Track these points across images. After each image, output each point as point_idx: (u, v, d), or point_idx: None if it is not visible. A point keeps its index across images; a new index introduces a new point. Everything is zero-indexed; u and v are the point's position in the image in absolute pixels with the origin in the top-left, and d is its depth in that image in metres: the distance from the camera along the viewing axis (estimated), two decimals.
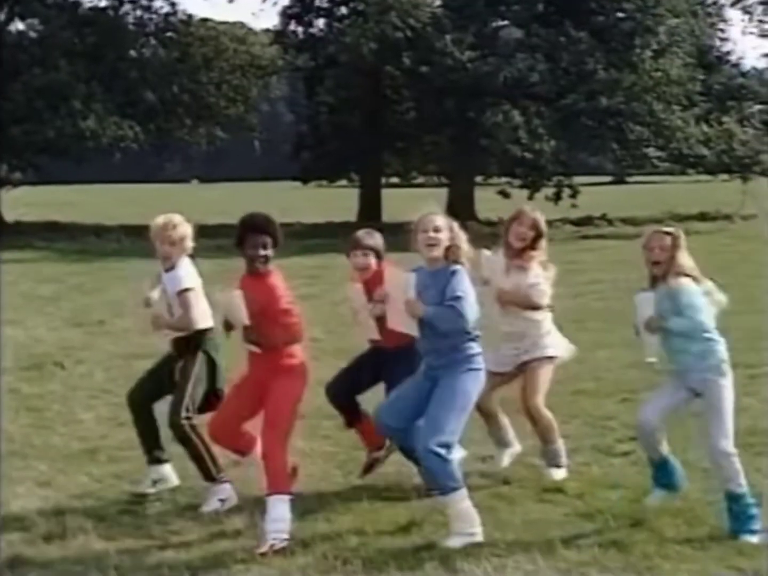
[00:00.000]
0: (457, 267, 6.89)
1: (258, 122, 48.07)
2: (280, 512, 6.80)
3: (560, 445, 8.17)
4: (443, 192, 38.08)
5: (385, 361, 7.74)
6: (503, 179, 41.32)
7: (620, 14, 36.63)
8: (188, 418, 7.42)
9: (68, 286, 21.47)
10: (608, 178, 77.78)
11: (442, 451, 6.70)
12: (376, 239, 7.90)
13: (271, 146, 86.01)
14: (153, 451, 7.83)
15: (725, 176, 41.27)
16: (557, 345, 8.30)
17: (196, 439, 7.46)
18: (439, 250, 6.90)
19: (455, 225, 7.03)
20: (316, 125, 42.96)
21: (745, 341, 13.24)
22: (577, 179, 40.27)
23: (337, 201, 48.21)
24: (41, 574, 6.35)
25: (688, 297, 7.19)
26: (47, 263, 26.36)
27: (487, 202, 38.94)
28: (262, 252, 7.11)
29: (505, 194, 39.54)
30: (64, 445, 9.16)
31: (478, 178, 42.13)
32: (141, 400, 7.82)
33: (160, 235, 7.60)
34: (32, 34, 39.93)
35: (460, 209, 36.73)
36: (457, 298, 6.74)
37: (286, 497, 6.87)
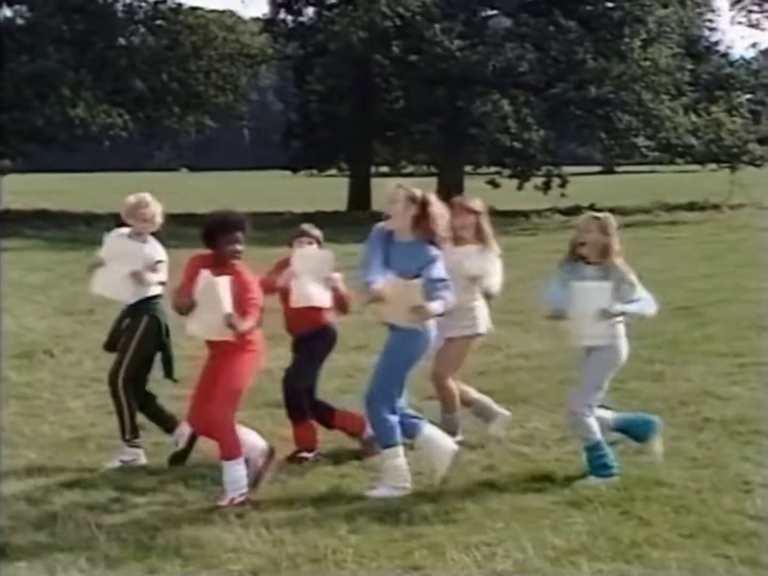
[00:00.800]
0: (437, 253, 7.41)
1: (247, 111, 48.01)
2: (236, 474, 7.34)
3: (457, 416, 8.63)
4: (433, 181, 38.03)
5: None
6: (492, 169, 41.34)
7: (609, 4, 36.67)
8: (125, 378, 8.29)
9: (58, 274, 21.42)
10: (597, 168, 77.77)
11: (383, 408, 7.39)
12: (318, 232, 8.58)
13: (260, 135, 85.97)
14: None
15: (713, 166, 41.26)
16: (480, 323, 8.67)
17: (124, 400, 8.30)
18: (398, 221, 7.46)
19: (429, 200, 7.61)
20: (305, 114, 42.95)
21: (734, 330, 13.34)
22: (566, 169, 40.28)
23: (327, 190, 48.15)
24: (31, 562, 6.34)
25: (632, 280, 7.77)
26: (37, 251, 26.29)
27: (476, 191, 38.69)
28: (239, 247, 7.47)
29: (494, 184, 39.57)
30: (53, 433, 9.16)
31: (468, 168, 42.13)
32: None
33: (134, 213, 8.47)
34: (20, 21, 39.71)
35: (450, 198, 36.79)
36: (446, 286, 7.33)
37: (240, 459, 7.41)
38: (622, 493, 7.23)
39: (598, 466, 7.57)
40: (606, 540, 6.44)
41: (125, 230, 8.65)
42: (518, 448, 8.41)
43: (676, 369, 11.20)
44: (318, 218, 36.25)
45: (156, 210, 8.49)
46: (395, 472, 7.44)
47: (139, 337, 8.36)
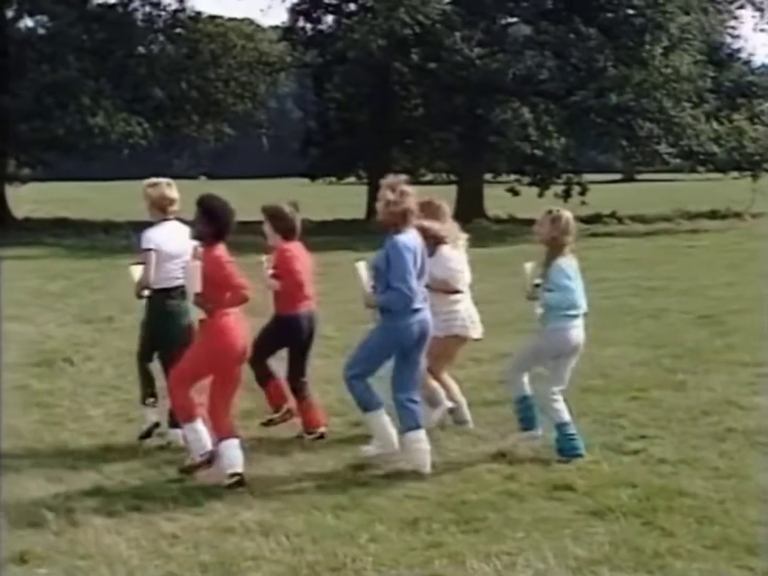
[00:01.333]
0: (393, 238, 8.04)
1: (266, 119, 48.05)
2: (195, 435, 8.03)
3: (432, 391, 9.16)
4: (452, 189, 38.04)
5: None
6: (512, 176, 41.28)
7: (630, 11, 36.48)
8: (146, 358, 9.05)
9: (77, 282, 21.48)
10: (618, 176, 77.63)
11: (353, 380, 8.18)
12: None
13: (279, 143, 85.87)
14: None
15: (735, 174, 41.16)
16: (458, 325, 9.16)
17: (143, 372, 9.08)
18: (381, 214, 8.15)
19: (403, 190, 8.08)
20: (324, 122, 42.97)
21: (756, 339, 13.24)
22: (587, 177, 40.22)
23: (346, 198, 48.16)
24: (51, 569, 6.35)
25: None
26: (56, 260, 26.36)
27: (496, 199, 38.94)
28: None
29: (514, 192, 39.52)
30: (73, 441, 9.16)
31: (487, 176, 42.08)
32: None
33: (143, 192, 8.97)
34: (41, 31, 39.89)
35: (469, 206, 36.75)
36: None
37: (197, 421, 8.03)
38: (644, 503, 7.19)
39: (567, 447, 8.33)
40: (628, 550, 6.40)
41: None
42: (539, 457, 8.36)
43: (698, 378, 11.13)
44: (337, 226, 36.31)
45: (160, 193, 8.98)
46: (381, 432, 8.23)
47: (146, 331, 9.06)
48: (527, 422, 8.67)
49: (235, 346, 7.99)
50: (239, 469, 7.81)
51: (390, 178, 8.29)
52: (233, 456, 7.85)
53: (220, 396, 7.99)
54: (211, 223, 8.03)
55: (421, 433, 8.16)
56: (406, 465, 8.14)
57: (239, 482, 7.74)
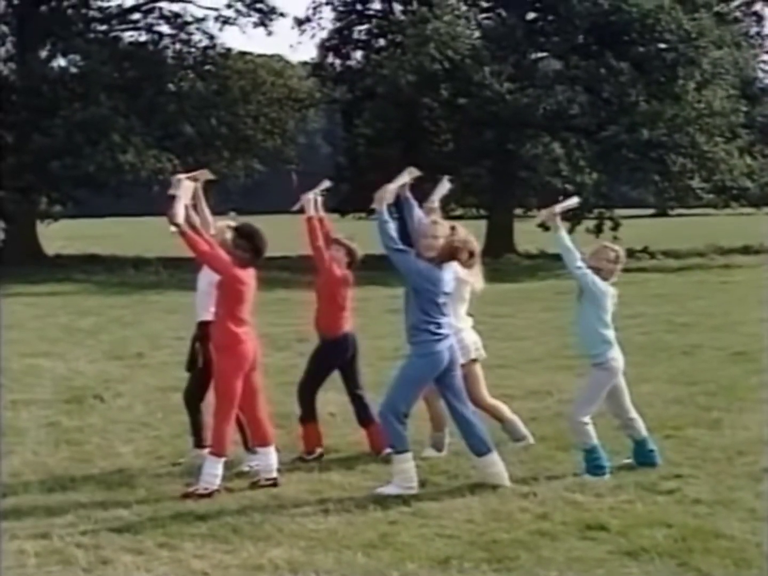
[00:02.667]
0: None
1: (296, 154, 48.22)
2: (212, 470, 8.43)
3: (444, 434, 9.50)
4: (482, 224, 37.99)
5: None
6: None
7: (662, 45, 36.45)
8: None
9: (107, 318, 21.53)
10: (650, 211, 77.36)
11: (391, 416, 8.37)
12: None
13: (308, 179, 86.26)
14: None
15: None
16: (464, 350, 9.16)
17: (194, 413, 9.44)
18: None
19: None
20: (353, 157, 43.03)
21: None
22: (618, 212, 40.08)
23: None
24: None
25: None
26: (87, 296, 26.47)
27: (526, 234, 38.82)
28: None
29: (545, 227, 39.36)
30: (103, 478, 9.12)
31: (518, 211, 42.00)
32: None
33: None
34: (73, 70, 40.26)
35: (499, 241, 36.71)
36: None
37: (221, 459, 8.53)
38: (680, 544, 7.06)
39: (593, 467, 8.70)
40: None
41: None
42: (572, 496, 8.24)
43: (733, 416, 10.97)
44: (367, 261, 36.17)
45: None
46: (404, 474, 8.40)
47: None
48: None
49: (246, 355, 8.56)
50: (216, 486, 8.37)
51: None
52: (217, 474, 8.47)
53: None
54: (249, 246, 8.61)
55: (494, 456, 8.56)
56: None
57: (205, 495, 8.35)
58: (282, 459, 9.14)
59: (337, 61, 42.84)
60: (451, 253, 8.54)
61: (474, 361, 9.42)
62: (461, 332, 9.21)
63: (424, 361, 8.42)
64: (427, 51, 34.40)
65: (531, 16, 39.92)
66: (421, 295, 8.44)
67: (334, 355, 9.70)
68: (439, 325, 8.43)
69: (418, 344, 8.44)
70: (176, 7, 42.95)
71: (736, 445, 9.75)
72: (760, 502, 7.97)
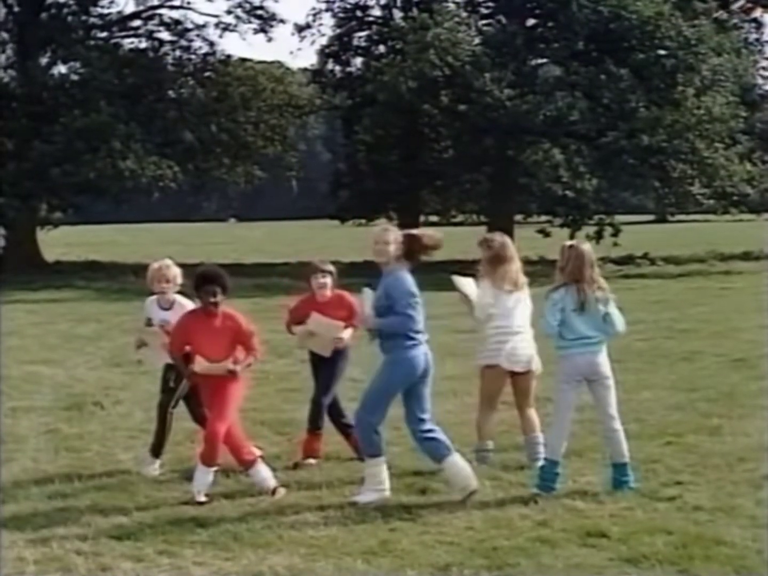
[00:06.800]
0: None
1: (296, 161, 48.28)
2: (204, 479, 8.61)
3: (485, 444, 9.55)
4: (482, 230, 37.98)
5: None
6: (543, 218, 41.19)
7: (662, 51, 36.47)
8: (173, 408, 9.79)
9: (107, 325, 21.51)
10: (650, 217, 77.46)
11: (365, 421, 8.46)
12: (332, 267, 10.14)
13: (308, 185, 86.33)
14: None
15: None
16: (481, 354, 9.61)
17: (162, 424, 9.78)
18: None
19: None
20: (353, 164, 43.08)
21: None
22: (619, 218, 40.08)
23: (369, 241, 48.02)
24: None
25: None
26: (87, 302, 26.46)
27: (526, 240, 38.78)
28: (212, 299, 8.72)
29: (545, 233, 39.42)
30: (103, 485, 9.11)
31: (518, 217, 42.00)
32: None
33: (157, 275, 9.65)
34: (74, 77, 40.29)
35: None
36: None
37: (212, 469, 8.70)
38: (681, 551, 7.05)
39: (548, 479, 8.56)
40: None
41: (154, 298, 9.90)
42: (572, 503, 8.23)
43: (733, 423, 10.96)
44: (367, 268, 36.21)
45: (177, 272, 9.70)
46: (375, 478, 8.50)
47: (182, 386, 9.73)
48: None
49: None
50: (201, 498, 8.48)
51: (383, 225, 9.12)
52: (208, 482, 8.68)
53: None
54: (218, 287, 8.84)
55: (456, 456, 8.50)
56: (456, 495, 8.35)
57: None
58: (280, 466, 9.14)
59: (338, 68, 42.88)
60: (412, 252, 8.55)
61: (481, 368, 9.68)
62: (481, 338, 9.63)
63: (401, 366, 8.41)
64: (428, 57, 34.41)
65: (531, 22, 39.97)
66: (399, 302, 8.37)
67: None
68: (416, 331, 8.42)
69: (395, 349, 8.40)
70: (176, 14, 43.21)
71: (736, 452, 9.74)
72: (760, 509, 7.96)
